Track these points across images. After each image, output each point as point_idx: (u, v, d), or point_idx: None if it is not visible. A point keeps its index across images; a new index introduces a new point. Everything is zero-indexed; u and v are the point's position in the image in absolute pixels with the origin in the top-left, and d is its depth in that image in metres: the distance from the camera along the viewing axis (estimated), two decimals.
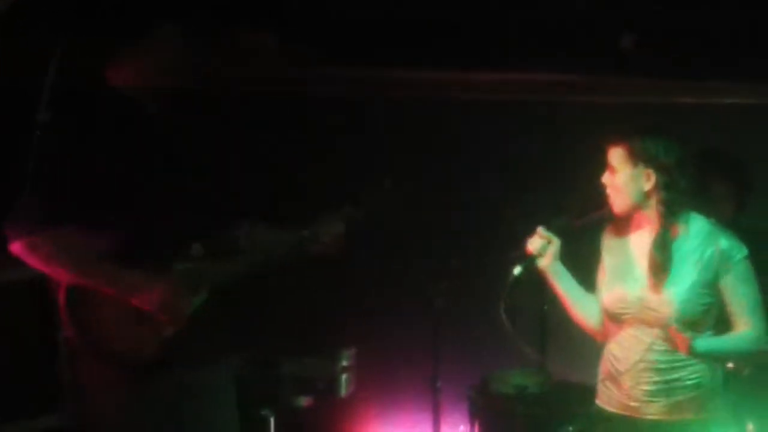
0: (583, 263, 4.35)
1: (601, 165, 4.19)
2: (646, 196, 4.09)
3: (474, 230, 6.19)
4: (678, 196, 4.08)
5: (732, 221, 5.05)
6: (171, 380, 4.09)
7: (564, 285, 4.26)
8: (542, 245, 4.20)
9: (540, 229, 4.21)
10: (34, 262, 3.98)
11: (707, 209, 4.89)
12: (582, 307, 4.28)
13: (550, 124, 6.31)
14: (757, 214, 5.26)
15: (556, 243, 4.21)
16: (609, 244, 4.27)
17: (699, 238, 4.08)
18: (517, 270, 4.18)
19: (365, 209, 4.39)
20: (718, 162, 5.20)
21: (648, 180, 4.07)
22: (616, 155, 4.11)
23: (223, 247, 4.19)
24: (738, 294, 4.05)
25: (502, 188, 6.29)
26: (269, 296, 6.16)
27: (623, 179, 4.09)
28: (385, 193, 4.44)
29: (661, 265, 4.05)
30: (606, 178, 4.15)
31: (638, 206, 4.12)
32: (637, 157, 4.07)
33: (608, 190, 4.15)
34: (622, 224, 4.22)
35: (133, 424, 4.07)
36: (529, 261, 4.20)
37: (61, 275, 4.00)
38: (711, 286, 4.04)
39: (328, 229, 4.31)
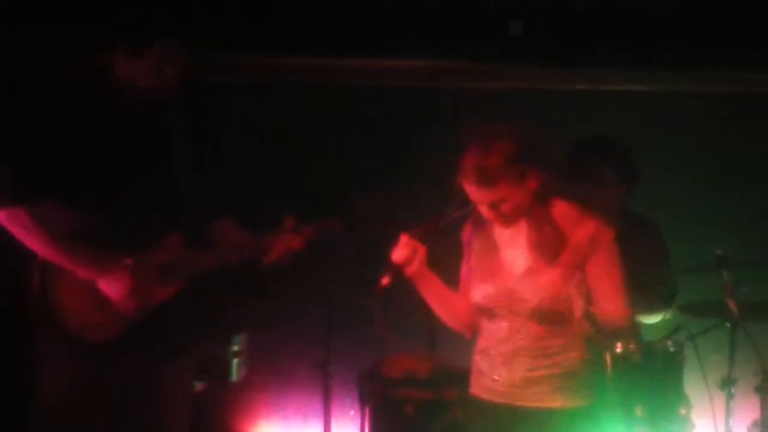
0: (443, 262, 4.15)
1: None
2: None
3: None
4: (550, 178, 3.93)
5: (620, 208, 5.15)
6: (123, 363, 4.11)
7: (432, 289, 4.09)
8: (408, 254, 3.97)
9: (405, 237, 3.99)
10: (15, 231, 4.03)
11: (596, 196, 4.95)
12: (450, 308, 4.14)
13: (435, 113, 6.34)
14: (644, 201, 5.34)
15: (423, 250, 3.99)
16: (472, 242, 4.11)
17: (565, 221, 3.94)
18: (385, 281, 3.93)
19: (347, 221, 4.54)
20: (606, 149, 5.24)
21: (535, 179, 3.92)
22: (512, 193, 3.88)
23: (199, 241, 4.23)
24: (607, 276, 3.91)
25: (394, 178, 6.31)
26: None
27: (519, 198, 3.91)
28: (367, 205, 4.55)
29: (540, 250, 3.92)
30: (494, 215, 3.93)
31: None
32: (533, 176, 3.89)
33: (499, 217, 3.95)
34: (484, 221, 4.05)
35: (82, 402, 4.08)
36: (396, 271, 3.95)
37: (37, 248, 4.04)
38: (579, 269, 3.89)
39: (286, 243, 4.36)
